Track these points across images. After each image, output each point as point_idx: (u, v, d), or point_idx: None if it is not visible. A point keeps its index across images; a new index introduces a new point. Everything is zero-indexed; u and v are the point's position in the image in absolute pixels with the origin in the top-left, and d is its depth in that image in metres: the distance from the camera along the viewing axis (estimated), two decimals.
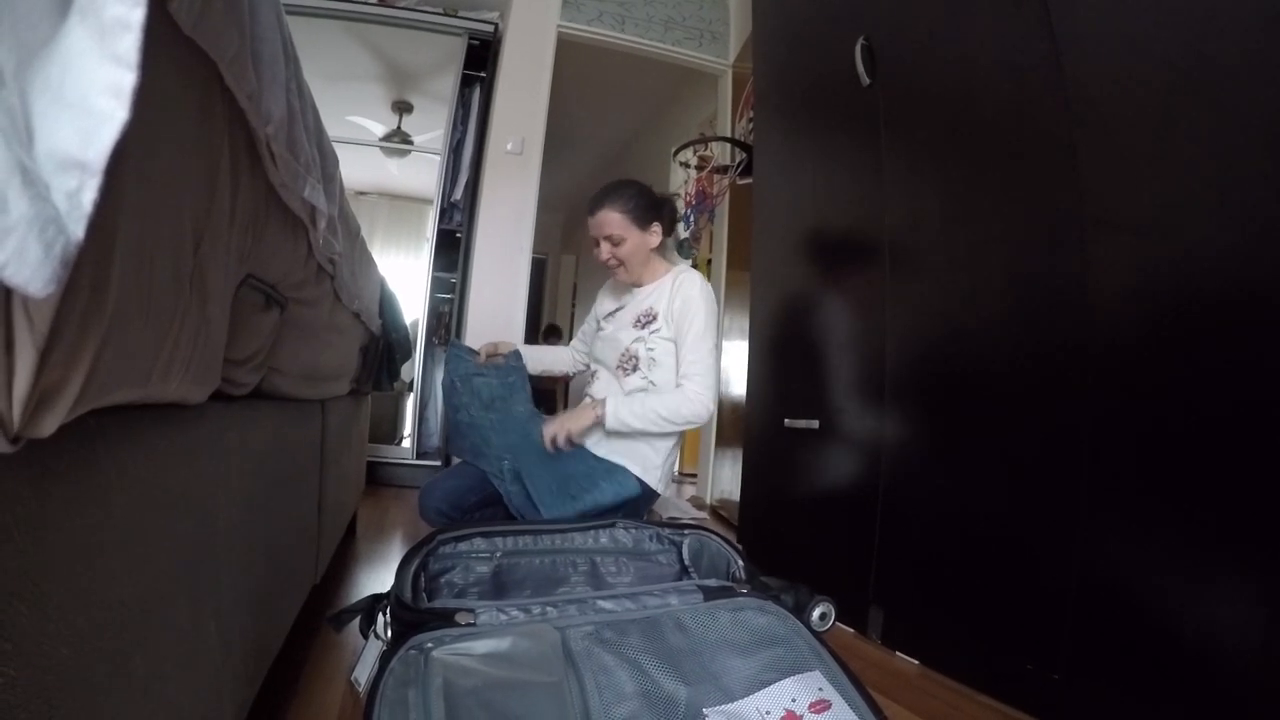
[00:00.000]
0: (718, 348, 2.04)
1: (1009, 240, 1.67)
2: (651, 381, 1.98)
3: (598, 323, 2.30)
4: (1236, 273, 1.20)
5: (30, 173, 0.25)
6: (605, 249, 2.08)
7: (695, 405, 1.91)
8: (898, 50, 2.11)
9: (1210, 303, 1.24)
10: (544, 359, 2.41)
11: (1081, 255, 1.47)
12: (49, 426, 0.36)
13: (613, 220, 2.05)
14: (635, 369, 2.02)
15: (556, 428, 1.93)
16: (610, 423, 1.91)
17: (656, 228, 2.11)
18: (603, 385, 2.10)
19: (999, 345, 1.68)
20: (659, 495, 2.03)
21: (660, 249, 2.16)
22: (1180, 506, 1.26)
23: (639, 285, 2.17)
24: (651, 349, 2.01)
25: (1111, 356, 1.40)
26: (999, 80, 1.71)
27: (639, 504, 2.00)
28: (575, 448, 1.98)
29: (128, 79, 0.28)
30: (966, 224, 1.81)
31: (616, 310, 2.23)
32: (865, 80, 2.19)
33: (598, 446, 1.97)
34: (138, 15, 0.28)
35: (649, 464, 1.96)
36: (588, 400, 2.07)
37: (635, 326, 2.06)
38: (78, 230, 0.27)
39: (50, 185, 0.26)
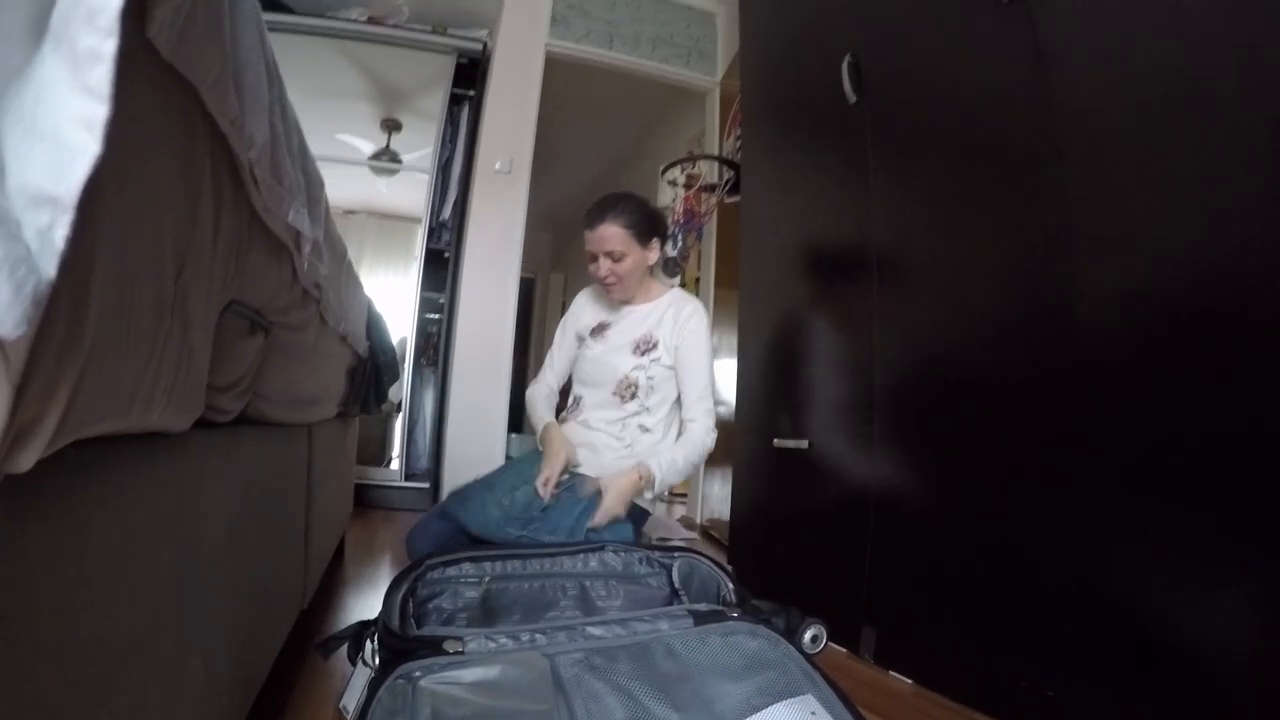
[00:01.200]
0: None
1: (998, 254, 1.68)
2: (646, 407, 1.98)
3: (579, 339, 2.22)
4: (1224, 282, 1.21)
5: (1, 210, 0.25)
6: (605, 265, 2.00)
7: (710, 445, 1.98)
8: (884, 68, 2.12)
9: (1199, 311, 1.25)
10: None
11: (1070, 268, 1.47)
12: (26, 462, 0.35)
13: (615, 235, 1.98)
14: (634, 396, 1.99)
15: (609, 509, 1.83)
16: (658, 488, 1.94)
17: (656, 244, 2.07)
18: (594, 413, 2.04)
19: (989, 361, 1.68)
20: (650, 514, 2.02)
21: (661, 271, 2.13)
22: (1176, 518, 1.26)
23: (629, 303, 2.12)
24: (651, 377, 1.99)
25: (1102, 370, 1.41)
26: (985, 96, 1.73)
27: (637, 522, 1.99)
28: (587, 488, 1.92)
29: (100, 111, 0.28)
30: (955, 239, 1.82)
31: (603, 327, 2.14)
32: (852, 98, 2.20)
33: (590, 471, 1.94)
34: (109, 46, 0.28)
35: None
36: (619, 466, 1.96)
37: (635, 353, 2.02)
38: (49, 269, 0.26)
39: (21, 222, 0.26)
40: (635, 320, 2.08)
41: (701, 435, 1.95)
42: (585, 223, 2.04)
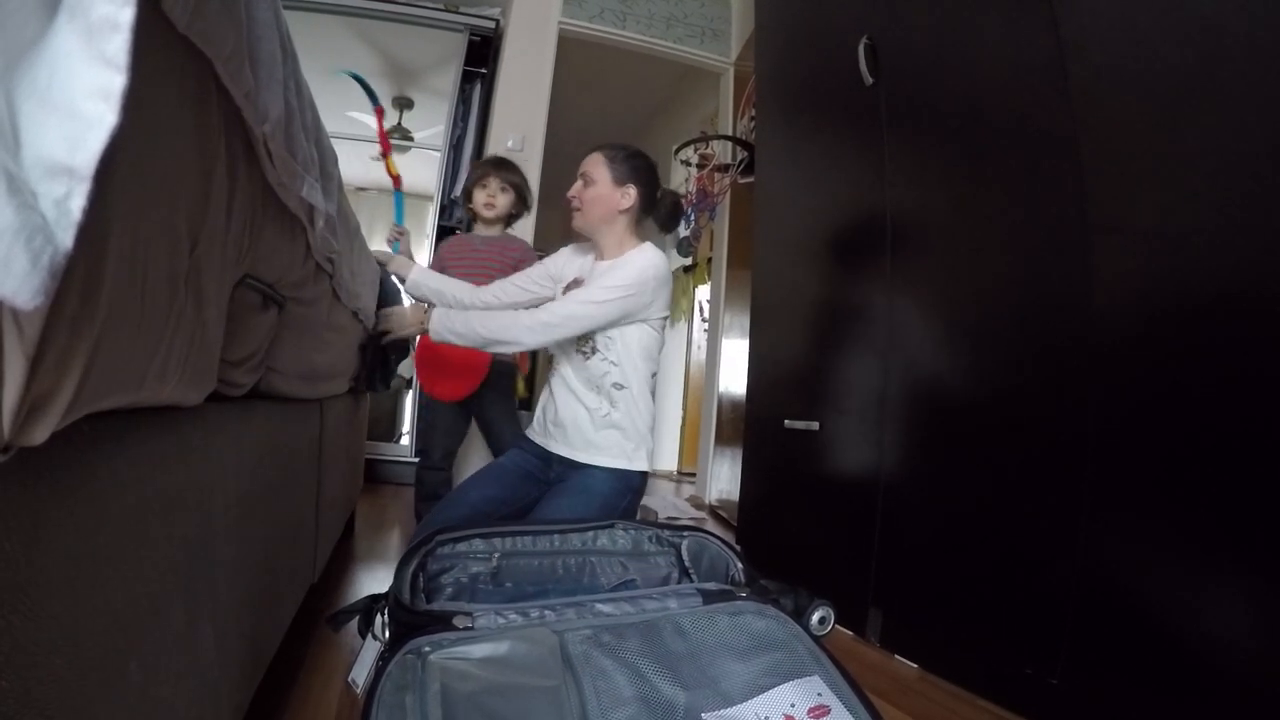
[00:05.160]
0: (688, 340, 1.95)
1: (1012, 241, 1.67)
2: (612, 361, 1.92)
3: (552, 284, 2.20)
4: (1240, 277, 1.20)
5: (16, 180, 0.25)
6: (575, 186, 2.01)
7: (519, 332, 1.87)
8: (901, 50, 2.10)
9: (1213, 307, 1.24)
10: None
11: (1085, 258, 1.46)
12: (41, 435, 0.35)
13: (594, 160, 2.00)
14: (595, 351, 1.93)
15: (393, 325, 1.99)
16: (433, 336, 1.91)
17: (631, 191, 1.98)
18: (567, 370, 2.00)
19: (1001, 347, 1.67)
20: (648, 474, 1.99)
21: (634, 226, 2.03)
22: (1181, 510, 1.26)
23: (600, 257, 2.05)
24: (606, 331, 1.92)
25: (1114, 360, 1.40)
26: (1003, 82, 1.71)
27: (637, 493, 1.97)
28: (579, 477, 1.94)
29: (117, 81, 0.28)
30: (969, 225, 1.81)
31: (576, 283, 2.07)
32: (868, 80, 2.18)
33: (577, 453, 1.93)
34: (127, 15, 0.28)
35: (628, 450, 1.92)
36: (418, 305, 2.09)
37: None
38: (66, 240, 0.26)
39: (37, 193, 0.26)
40: (599, 275, 1.99)
41: (517, 320, 1.88)
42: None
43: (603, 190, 1.97)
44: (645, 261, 1.91)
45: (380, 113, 2.92)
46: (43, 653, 0.40)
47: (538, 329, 1.85)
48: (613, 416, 1.91)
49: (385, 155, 2.84)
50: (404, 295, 2.23)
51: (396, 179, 2.74)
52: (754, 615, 1.05)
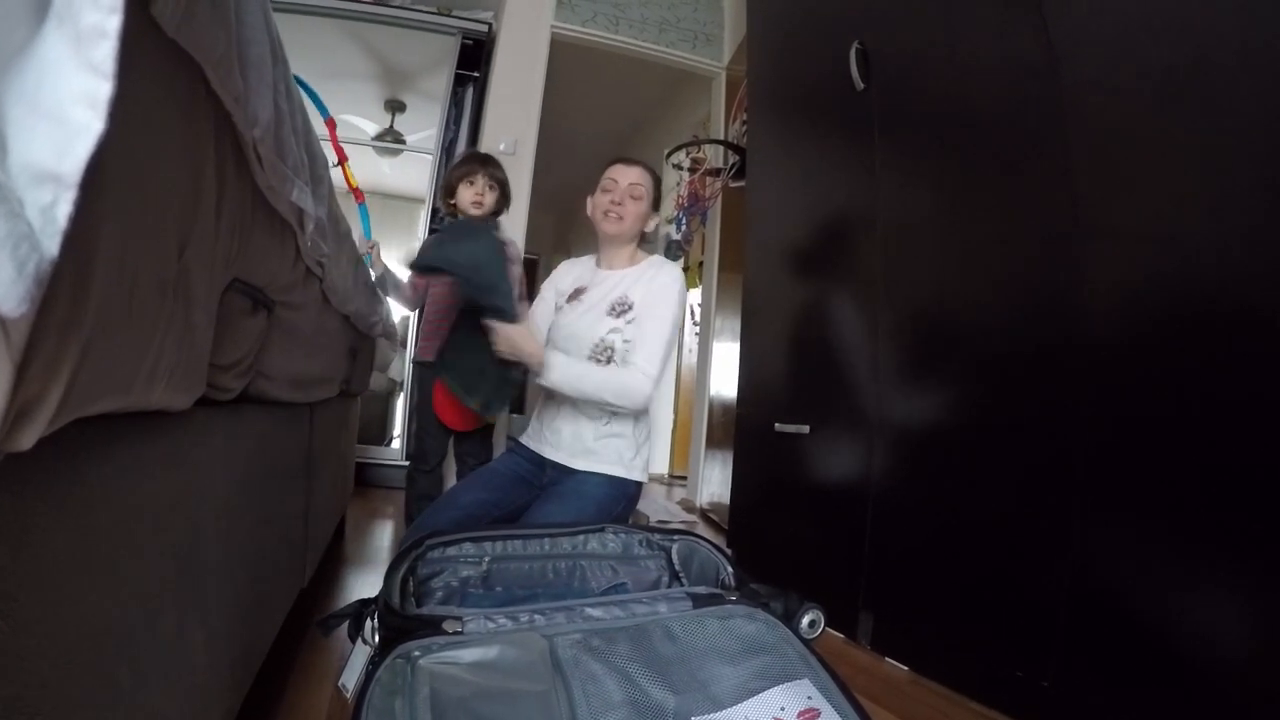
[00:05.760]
0: (680, 343, 1.98)
1: (1003, 246, 1.67)
2: None
3: (556, 306, 2.20)
4: (1230, 279, 1.20)
5: (3, 187, 0.25)
6: (623, 192, 2.03)
7: (638, 392, 1.86)
8: (892, 55, 2.11)
9: (1204, 309, 1.24)
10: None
11: (1076, 261, 1.47)
12: (28, 440, 0.35)
13: (645, 181, 2.05)
14: (610, 360, 1.93)
15: (504, 347, 1.86)
16: (543, 382, 1.88)
17: (656, 217, 2.12)
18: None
19: (992, 351, 1.68)
20: (642, 484, 2.00)
21: (642, 243, 2.14)
22: (1172, 512, 1.27)
23: (609, 266, 2.10)
24: (628, 340, 1.93)
25: (1104, 363, 1.40)
26: (994, 86, 1.72)
27: (632, 500, 1.98)
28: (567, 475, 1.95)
29: (104, 89, 0.28)
30: (960, 229, 1.81)
31: (580, 291, 2.11)
32: (859, 84, 2.19)
33: (574, 460, 1.94)
34: (114, 23, 0.28)
35: (626, 459, 1.93)
36: (536, 337, 2.03)
37: (610, 315, 1.97)
38: (52, 247, 0.26)
39: (24, 200, 0.26)
40: (612, 283, 2.03)
41: (629, 378, 1.86)
42: (618, 160, 2.12)
43: (645, 210, 2.06)
44: (672, 278, 1.99)
45: (330, 125, 2.91)
46: (31, 658, 0.39)
47: (649, 386, 1.88)
48: (613, 425, 1.92)
49: (341, 164, 2.85)
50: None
51: (357, 192, 2.75)
52: (744, 619, 1.05)
